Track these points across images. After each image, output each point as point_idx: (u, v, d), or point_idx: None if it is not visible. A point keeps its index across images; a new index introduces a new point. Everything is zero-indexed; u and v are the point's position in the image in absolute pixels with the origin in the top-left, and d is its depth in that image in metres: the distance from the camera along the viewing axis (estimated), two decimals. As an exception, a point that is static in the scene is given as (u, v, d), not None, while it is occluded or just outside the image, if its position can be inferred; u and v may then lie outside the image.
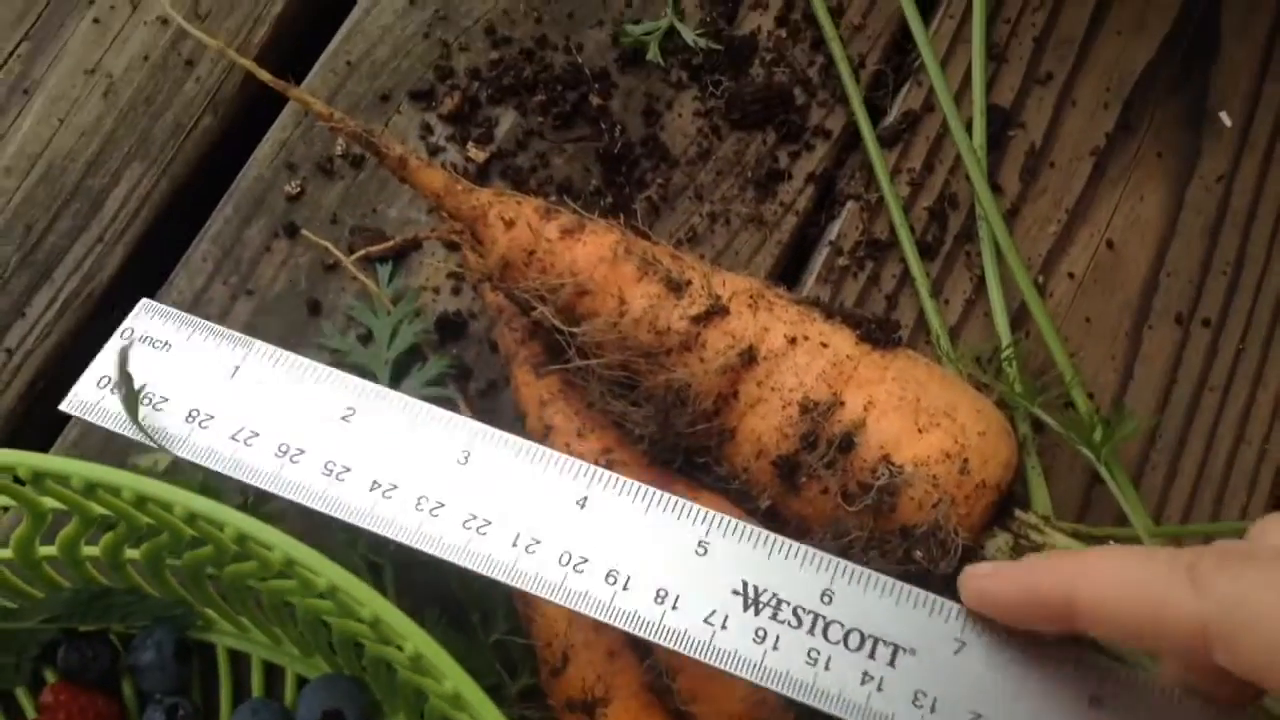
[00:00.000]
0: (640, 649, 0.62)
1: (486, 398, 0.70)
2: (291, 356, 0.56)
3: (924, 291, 0.73)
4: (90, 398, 0.55)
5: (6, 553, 0.56)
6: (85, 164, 0.72)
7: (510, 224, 0.63)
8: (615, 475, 0.54)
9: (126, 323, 0.57)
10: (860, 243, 0.75)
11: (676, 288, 0.62)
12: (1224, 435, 0.74)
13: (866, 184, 0.76)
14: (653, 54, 0.77)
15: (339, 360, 0.67)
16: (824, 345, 0.62)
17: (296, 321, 0.70)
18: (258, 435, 0.54)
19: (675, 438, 0.62)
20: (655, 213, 0.74)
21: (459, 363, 0.70)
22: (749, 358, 0.61)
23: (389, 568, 0.64)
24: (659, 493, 0.54)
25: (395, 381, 0.67)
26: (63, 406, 0.54)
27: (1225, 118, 0.80)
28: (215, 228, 0.71)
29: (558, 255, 0.62)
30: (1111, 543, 0.62)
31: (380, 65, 0.76)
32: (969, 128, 0.77)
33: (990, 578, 0.51)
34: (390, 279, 0.71)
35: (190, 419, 0.54)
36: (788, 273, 0.75)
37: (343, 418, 0.55)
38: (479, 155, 0.74)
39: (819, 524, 0.61)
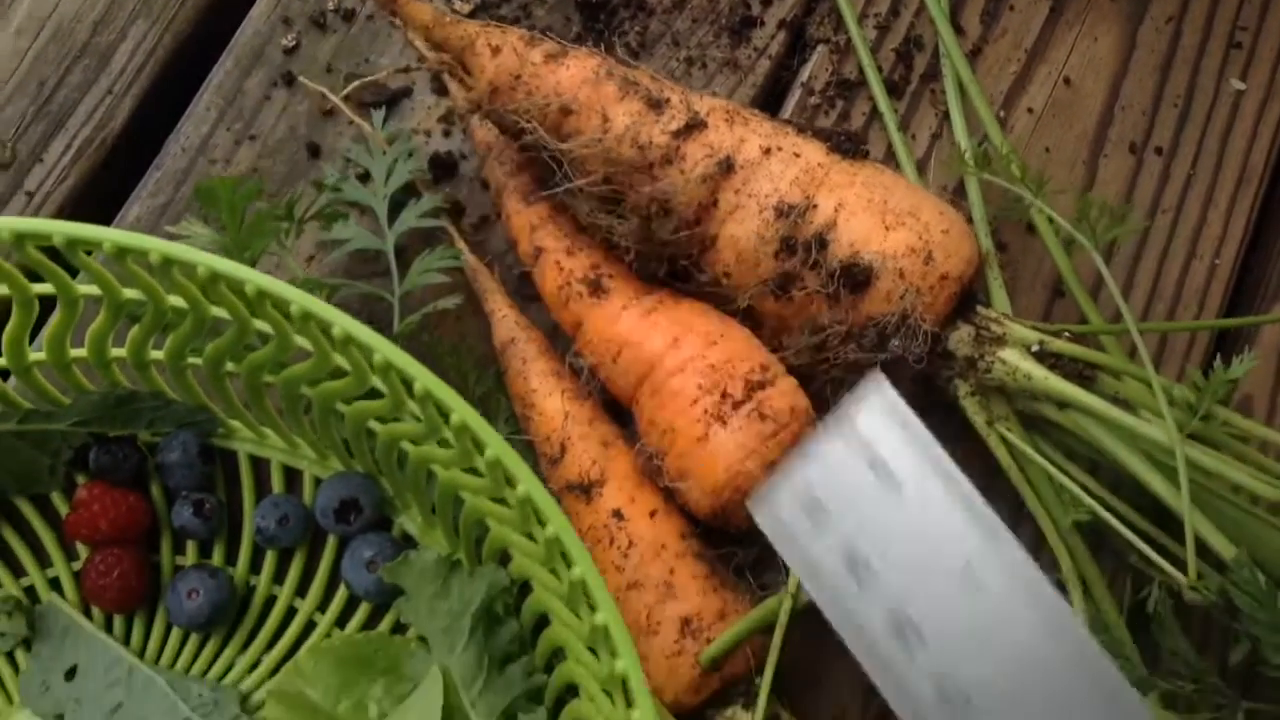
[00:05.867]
0: (632, 439, 0.66)
1: (479, 231, 0.74)
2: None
3: (892, 126, 0.77)
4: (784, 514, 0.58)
5: (40, 354, 0.61)
6: (92, 23, 0.76)
7: (497, 50, 0.67)
8: None
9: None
10: (830, 83, 0.79)
11: (657, 105, 0.66)
12: (1176, 252, 0.78)
13: (835, 28, 0.80)
14: (628, -91, 0.80)
15: (339, 198, 0.71)
16: (796, 155, 0.66)
17: (298, 164, 0.74)
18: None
19: (659, 248, 0.67)
20: (634, 58, 0.78)
21: (451, 200, 0.74)
22: (727, 167, 0.65)
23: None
24: None
25: (392, 215, 0.71)
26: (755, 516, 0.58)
27: (1175, -39, 0.84)
28: (217, 79, 0.75)
29: (543, 78, 0.66)
30: (1067, 335, 0.67)
31: (368, -76, 0.79)
32: (931, -27, 0.81)
33: None
34: (384, 123, 0.75)
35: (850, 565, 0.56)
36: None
37: None
38: (464, 7, 0.78)
39: (795, 322, 0.66)
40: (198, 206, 0.73)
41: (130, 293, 0.56)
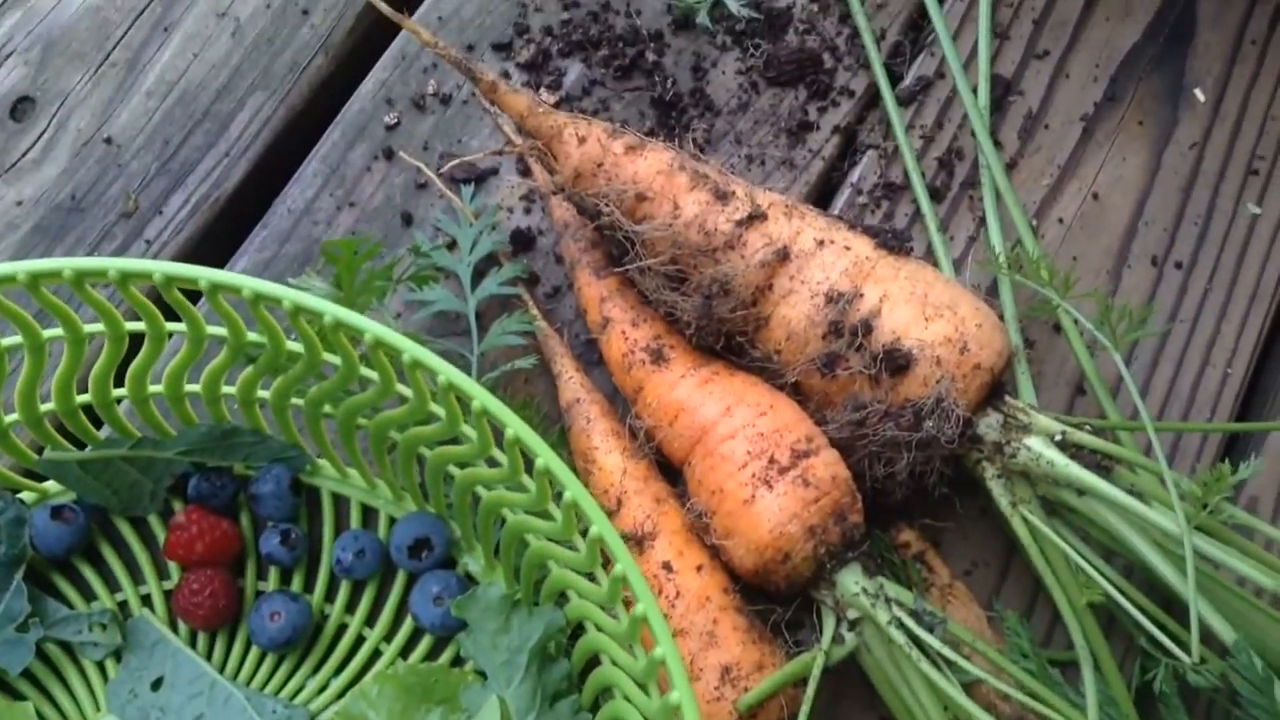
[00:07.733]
0: (682, 498, 0.72)
1: (551, 300, 0.81)
2: None
3: (933, 227, 0.84)
4: None
5: (158, 388, 0.67)
6: (215, 91, 0.84)
7: (583, 140, 0.74)
8: None
9: None
10: (878, 185, 0.86)
11: (723, 196, 0.73)
12: (1192, 360, 0.84)
13: (884, 136, 0.88)
14: (702, 19, 0.88)
15: (428, 263, 0.78)
16: (847, 248, 0.73)
17: (392, 230, 0.81)
18: None
19: (718, 324, 0.73)
20: (700, 153, 0.85)
21: (528, 270, 0.80)
22: (783, 255, 0.72)
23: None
24: None
25: (475, 282, 0.78)
26: None
27: (1199, 94, 0.92)
28: (324, 149, 0.83)
29: (622, 167, 0.74)
30: (1088, 428, 0.73)
31: (466, 21, 0.88)
32: (975, 93, 0.88)
33: None
34: (472, 198, 0.82)
35: None
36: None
37: None
38: (549, 99, 0.85)
39: (838, 399, 0.72)
40: (299, 264, 0.80)
41: (253, 336, 0.62)
